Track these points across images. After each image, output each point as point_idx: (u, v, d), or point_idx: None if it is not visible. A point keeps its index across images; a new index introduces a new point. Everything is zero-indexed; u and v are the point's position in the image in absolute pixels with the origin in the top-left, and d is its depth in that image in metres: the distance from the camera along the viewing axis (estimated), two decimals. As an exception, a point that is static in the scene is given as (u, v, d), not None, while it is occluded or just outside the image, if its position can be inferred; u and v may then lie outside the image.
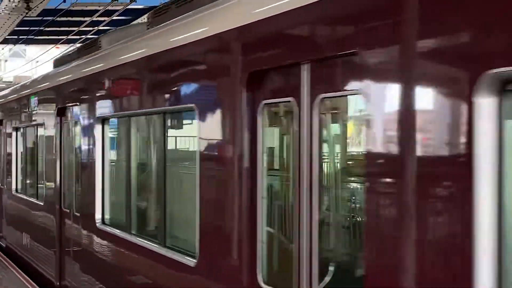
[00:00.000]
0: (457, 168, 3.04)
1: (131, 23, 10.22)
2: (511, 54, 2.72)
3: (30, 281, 11.18)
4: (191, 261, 5.69)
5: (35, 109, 11.92)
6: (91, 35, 21.63)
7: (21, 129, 12.70)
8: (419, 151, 3.28)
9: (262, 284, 4.72)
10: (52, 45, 27.28)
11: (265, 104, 4.81)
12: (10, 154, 13.85)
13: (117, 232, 7.66)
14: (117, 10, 17.74)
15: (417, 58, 3.26)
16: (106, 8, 17.48)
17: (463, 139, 3.01)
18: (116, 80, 7.90)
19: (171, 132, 6.66)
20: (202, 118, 5.61)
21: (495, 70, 2.81)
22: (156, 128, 6.97)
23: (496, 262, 2.89)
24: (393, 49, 3.42)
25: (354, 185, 4.19)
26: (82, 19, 19.22)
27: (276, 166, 4.88)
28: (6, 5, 16.65)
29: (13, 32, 19.94)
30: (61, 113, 10.12)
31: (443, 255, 3.07)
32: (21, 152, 12.68)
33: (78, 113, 9.24)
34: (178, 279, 5.89)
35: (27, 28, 20.98)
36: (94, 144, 8.50)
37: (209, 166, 5.53)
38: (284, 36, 4.47)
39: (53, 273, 10.22)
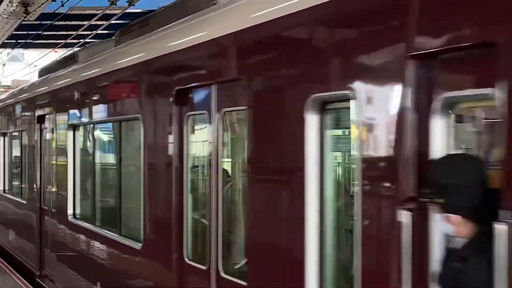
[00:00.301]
0: (295, 164, 4.42)
1: (107, 39, 10.77)
2: (325, 85, 4.17)
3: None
4: (138, 245, 7.06)
5: (19, 116, 13.04)
6: (90, 39, 21.65)
7: (8, 135, 13.76)
8: (269, 153, 4.82)
9: (187, 260, 6.09)
10: (51, 49, 27.30)
11: (189, 115, 6.18)
12: None
13: (85, 224, 8.97)
14: (115, 14, 17.76)
15: (272, 86, 4.80)
16: (104, 12, 17.50)
17: (298, 143, 4.33)
18: (83, 92, 9.18)
19: (124, 137, 8.02)
20: (145, 126, 6.93)
21: (316, 95, 4.22)
22: (114, 135, 8.38)
23: (319, 232, 4.19)
24: (260, 79, 4.95)
25: (240, 179, 5.52)
26: (80, 23, 19.25)
27: (196, 164, 6.18)
28: (4, 9, 16.67)
29: (11, 36, 19.95)
30: (41, 120, 11.21)
31: (287, 227, 4.48)
32: (8, 156, 13.68)
33: (54, 120, 10.47)
34: (129, 259, 7.31)
35: (26, 32, 21.00)
36: (66, 148, 9.71)
37: (150, 166, 6.84)
38: (199, 63, 5.97)
39: (34, 264, 11.29)
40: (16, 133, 13.16)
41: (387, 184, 3.59)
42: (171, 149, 6.35)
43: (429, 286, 3.25)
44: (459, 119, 3.37)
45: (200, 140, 6.04)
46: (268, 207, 4.83)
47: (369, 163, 3.75)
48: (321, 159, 4.29)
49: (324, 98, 4.19)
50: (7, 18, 17.21)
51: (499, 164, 2.96)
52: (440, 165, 3.25)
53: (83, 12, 19.86)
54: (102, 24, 18.99)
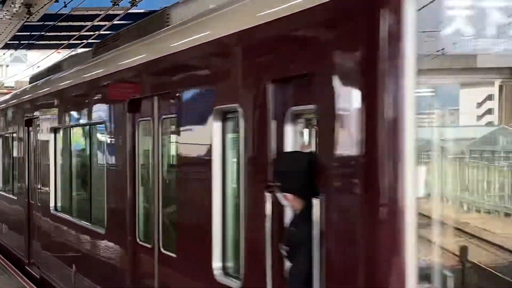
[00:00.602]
0: (207, 160, 5.70)
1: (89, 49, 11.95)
2: (224, 99, 5.49)
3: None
4: (102, 230, 8.40)
5: (11, 120, 14.36)
6: (92, 39, 21.65)
7: (1, 137, 15.02)
8: (189, 152, 6.23)
9: (139, 241, 7.32)
10: (53, 50, 27.31)
11: (139, 120, 7.42)
12: None
13: (63, 215, 10.33)
14: (118, 15, 17.76)
15: (190, 99, 6.30)
16: (107, 13, 17.50)
17: (209, 145, 5.63)
18: (60, 99, 10.62)
19: (93, 139, 9.35)
20: (108, 130, 8.31)
21: (219, 107, 5.52)
22: (85, 137, 9.76)
23: (222, 211, 5.53)
24: (182, 93, 6.33)
25: (174, 173, 6.70)
26: (83, 23, 19.25)
27: (144, 162, 7.42)
28: (7, 10, 16.68)
29: (14, 37, 19.97)
30: (28, 124, 12.48)
31: (201, 211, 5.79)
32: (1, 156, 14.97)
33: (38, 124, 11.78)
34: (96, 243, 8.72)
35: (28, 33, 21.01)
36: (48, 149, 11.02)
37: (110, 164, 8.25)
38: (144, 78, 7.36)
39: (24, 253, 12.56)
40: (8, 135, 14.19)
41: (259, 175, 4.86)
42: (127, 149, 7.66)
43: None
44: (304, 126, 4.67)
45: (147, 141, 7.33)
46: (189, 195, 6.24)
47: (249, 160, 5.06)
48: (223, 156, 5.64)
49: (223, 109, 5.54)
50: (10, 19, 17.23)
51: (320, 158, 4.22)
52: (278, 159, 4.60)
53: (85, 12, 19.85)
54: (105, 25, 18.99)
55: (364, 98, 3.77)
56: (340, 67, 4.04)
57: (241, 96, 5.19)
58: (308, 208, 4.22)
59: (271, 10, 4.87)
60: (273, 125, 4.69)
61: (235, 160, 5.52)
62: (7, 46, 23.06)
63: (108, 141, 8.36)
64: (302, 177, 4.29)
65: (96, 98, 8.98)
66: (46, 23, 19.46)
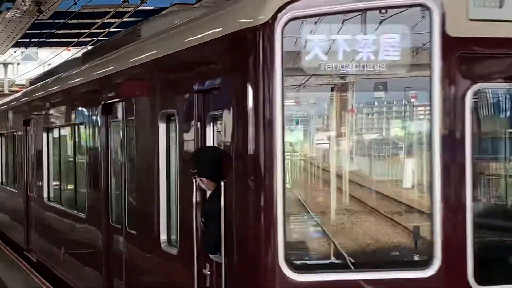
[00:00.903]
0: (155, 155, 6.89)
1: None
2: (167, 105, 6.75)
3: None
4: (83, 216, 9.69)
5: (13, 120, 15.62)
6: (102, 37, 21.75)
7: (4, 135, 16.03)
8: (143, 149, 7.50)
9: (111, 223, 8.45)
10: (64, 48, 27.42)
11: (111, 121, 8.56)
12: None
13: (54, 204, 11.73)
14: (127, 12, 17.85)
15: (142, 104, 7.62)
16: (117, 10, 17.59)
17: (157, 142, 6.80)
18: (49, 103, 12.18)
19: (76, 138, 10.60)
20: (87, 129, 9.65)
21: (163, 111, 6.73)
22: (69, 135, 11.07)
23: (166, 197, 6.79)
24: (138, 100, 7.70)
25: (134, 166, 7.94)
26: (93, 21, 19.35)
27: (115, 157, 8.56)
28: (18, 8, 16.79)
29: (25, 35, 20.09)
30: (26, 124, 13.70)
31: (150, 196, 7.08)
32: (5, 154, 15.98)
33: (34, 124, 13.07)
34: (79, 226, 10.08)
35: (39, 31, 21.12)
36: (42, 146, 12.32)
37: (89, 159, 9.55)
38: (114, 86, 8.59)
39: (23, 240, 13.87)
40: (10, 134, 15.24)
41: (189, 165, 5.89)
42: (101, 146, 8.87)
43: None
44: (218, 126, 5.76)
45: (118, 139, 8.39)
46: (143, 184, 7.48)
47: (182, 153, 6.30)
48: (167, 151, 6.78)
49: (166, 113, 6.71)
50: (20, 17, 17.34)
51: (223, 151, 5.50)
52: (195, 152, 5.91)
53: (95, 10, 19.96)
54: (115, 22, 19.09)
55: (247, 106, 4.98)
56: (233, 83, 5.31)
57: (176, 104, 6.47)
58: (218, 189, 5.41)
59: (194, 37, 6.19)
60: (198, 125, 5.91)
61: (174, 154, 6.65)
62: (18, 44, 23.19)
63: (87, 140, 9.76)
64: (213, 165, 5.52)
65: (77, 102, 10.47)
66: (56, 21, 19.58)
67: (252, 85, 4.95)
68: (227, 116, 5.32)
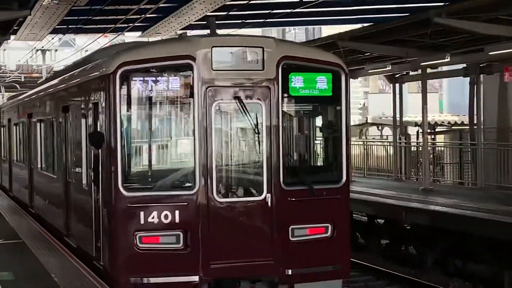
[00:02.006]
0: (82, 135, 11.59)
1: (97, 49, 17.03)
2: (83, 107, 11.45)
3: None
4: (55, 176, 13.73)
5: (22, 112, 19.21)
6: (138, 23, 21.77)
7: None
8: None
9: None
10: (100, 34, 27.49)
11: (67, 117, 12.53)
12: None
13: (44, 172, 15.30)
14: (163, -2, 17.82)
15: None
16: (153, -4, 17.56)
17: (82, 129, 11.38)
18: (38, 103, 16.41)
19: (52, 129, 14.31)
20: (56, 125, 13.79)
21: (83, 111, 11.33)
22: (48, 127, 14.79)
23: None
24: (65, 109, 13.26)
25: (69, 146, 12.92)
26: (129, 7, 19.36)
27: (71, 141, 12.57)
28: (55, -5, 16.85)
29: (62, 22, 20.18)
30: (29, 116, 17.29)
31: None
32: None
33: (34, 117, 16.75)
34: (56, 184, 13.61)
35: (76, 18, 21.21)
36: (37, 134, 16.05)
37: (58, 142, 13.59)
38: (65, 97, 13.00)
39: (28, 199, 17.29)
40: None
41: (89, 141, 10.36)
42: (63, 133, 12.99)
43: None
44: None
45: (77, 130, 11.86)
46: (77, 153, 11.86)
47: (87, 136, 10.64)
48: (86, 132, 11.12)
49: (83, 112, 11.35)
50: (58, 4, 17.40)
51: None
52: (91, 134, 10.11)
53: (132, -4, 19.92)
54: (151, 8, 19.08)
55: (105, 112, 9.64)
56: (101, 99, 9.93)
57: (83, 107, 11.39)
58: (98, 152, 9.94)
59: (89, 74, 11.01)
60: (89, 121, 10.82)
61: (86, 134, 10.99)
62: (55, 31, 23.30)
63: (61, 130, 13.20)
64: (96, 141, 9.85)
65: (54, 104, 14.26)
66: (93, 7, 19.61)
67: (107, 101, 9.58)
68: (99, 117, 10.11)
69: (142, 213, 9.17)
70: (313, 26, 39.77)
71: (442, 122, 28.24)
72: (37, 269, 10.46)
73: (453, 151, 23.86)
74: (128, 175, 9.36)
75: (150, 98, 9.38)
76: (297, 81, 9.71)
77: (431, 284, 14.49)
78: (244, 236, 9.39)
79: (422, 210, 16.08)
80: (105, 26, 23.43)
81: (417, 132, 26.40)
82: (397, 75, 23.19)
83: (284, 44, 10.46)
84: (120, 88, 9.27)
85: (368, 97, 47.67)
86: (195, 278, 9.15)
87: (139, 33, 25.26)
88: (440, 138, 27.41)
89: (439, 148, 24.79)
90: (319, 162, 10.76)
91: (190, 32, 43.34)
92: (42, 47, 37.54)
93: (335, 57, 10.25)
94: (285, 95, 9.65)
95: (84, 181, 11.08)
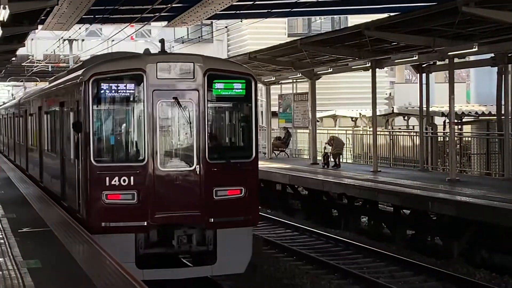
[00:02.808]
0: (69, 124, 14.93)
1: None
2: (70, 105, 14.90)
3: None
4: (55, 155, 16.75)
5: (51, 101, 20.47)
6: (164, 13, 21.80)
7: (47, 114, 19.77)
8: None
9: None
10: (127, 24, 27.59)
11: (65, 111, 15.48)
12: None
13: (49, 152, 18.23)
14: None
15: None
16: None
17: (69, 118, 15.12)
18: (36, 103, 21.04)
19: (49, 121, 18.24)
20: (54, 115, 17.14)
21: (70, 108, 14.99)
22: (54, 118, 17.35)
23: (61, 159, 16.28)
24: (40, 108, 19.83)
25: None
26: (155, -4, 19.41)
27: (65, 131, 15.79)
28: (82, -15, 16.93)
29: (89, 12, 20.30)
30: (62, 105, 17.20)
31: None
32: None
33: (40, 110, 20.09)
34: (56, 161, 16.47)
35: (103, 7, 21.31)
36: (36, 124, 20.75)
37: (50, 131, 17.80)
38: (64, 95, 15.90)
39: (38, 175, 20.21)
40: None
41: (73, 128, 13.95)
42: (61, 123, 15.96)
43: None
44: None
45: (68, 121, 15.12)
46: (67, 137, 15.24)
47: (72, 125, 14.16)
48: (65, 126, 15.45)
49: (69, 109, 14.81)
50: (84, -7, 17.50)
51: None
52: (74, 123, 13.81)
53: (158, -15, 19.95)
54: (177, -3, 19.12)
55: (82, 110, 13.19)
56: (79, 100, 13.47)
57: (67, 106, 15.14)
58: (79, 136, 13.35)
59: (70, 79, 15.23)
60: (70, 115, 14.45)
61: (71, 123, 14.22)
62: (82, 21, 23.44)
63: (59, 120, 16.24)
64: (77, 127, 13.30)
65: (55, 100, 17.29)
66: (119, -3, 19.70)
67: (83, 99, 13.05)
68: (79, 111, 13.40)
69: (107, 178, 12.86)
70: (339, 15, 39.62)
71: (469, 112, 28.00)
72: (64, 257, 10.56)
73: (480, 141, 23.68)
74: (98, 151, 13.12)
75: (113, 98, 13.10)
76: (219, 86, 13.34)
77: (457, 275, 14.41)
78: (180, 195, 13.06)
79: (448, 201, 15.99)
80: (132, 15, 23.52)
81: (444, 122, 26.24)
82: (424, 65, 23.03)
83: (209, 59, 13.76)
84: (92, 90, 12.96)
85: (394, 87, 47.39)
86: (144, 223, 12.86)
87: (165, 23, 25.33)
88: (467, 128, 27.20)
89: (466, 138, 24.60)
90: (235, 143, 14.19)
91: (216, 22, 43.19)
92: (69, 37, 37.76)
93: (247, 69, 14.09)
94: (210, 96, 13.26)
95: (71, 157, 14.52)
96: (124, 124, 13.44)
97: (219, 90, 13.40)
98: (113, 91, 13.07)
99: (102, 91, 13.03)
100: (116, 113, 13.41)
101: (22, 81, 57.22)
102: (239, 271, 13.59)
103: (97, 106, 13.07)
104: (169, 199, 13.02)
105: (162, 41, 14.35)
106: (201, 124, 13.13)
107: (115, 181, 12.89)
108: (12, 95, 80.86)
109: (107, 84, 13.00)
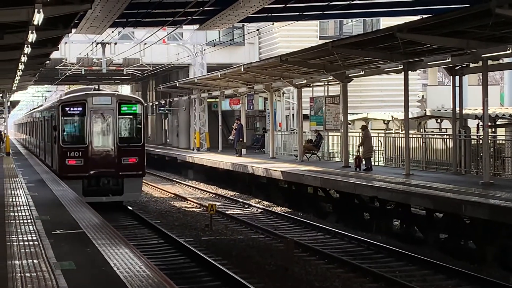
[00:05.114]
0: (52, 126, 28.38)
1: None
2: (50, 120, 29.59)
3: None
4: (48, 142, 30.03)
5: (42, 117, 34.16)
6: (196, 16, 21.89)
7: (39, 122, 32.06)
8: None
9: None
10: (159, 27, 27.74)
11: (53, 120, 28.40)
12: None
13: (44, 141, 32.10)
14: (221, -9, 17.88)
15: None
16: (211, -11, 17.64)
17: (51, 124, 29.33)
18: (31, 119, 43.61)
19: (41, 126, 34.00)
20: (43, 123, 32.78)
21: (50, 121, 29.69)
22: (42, 124, 33.47)
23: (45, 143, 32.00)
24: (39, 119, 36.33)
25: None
26: (188, 0, 19.49)
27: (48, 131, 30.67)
28: (115, -11, 17.04)
29: (121, 15, 20.45)
30: (47, 120, 30.20)
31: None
32: (38, 130, 32.46)
33: (34, 121, 39.51)
34: (48, 144, 29.68)
35: (135, 11, 21.46)
36: (34, 128, 39.19)
37: (48, 132, 30.22)
38: (47, 114, 30.69)
39: (38, 152, 36.77)
40: (39, 122, 29.67)
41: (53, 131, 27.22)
42: (47, 127, 29.59)
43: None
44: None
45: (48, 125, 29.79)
46: (48, 133, 29.53)
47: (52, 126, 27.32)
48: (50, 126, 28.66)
49: (49, 120, 28.96)
50: (117, -3, 17.61)
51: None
52: (54, 126, 26.69)
53: (190, -11, 20.03)
54: (209, 0, 19.19)
55: (55, 120, 26.16)
56: (53, 115, 27.31)
57: (46, 120, 30.88)
58: (57, 132, 25.49)
59: (50, 107, 30.51)
60: (52, 122, 27.44)
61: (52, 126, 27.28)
62: (115, 24, 23.62)
63: (48, 124, 28.61)
64: (55, 128, 25.74)
65: (43, 116, 32.27)
66: (152, 0, 19.81)
67: (56, 115, 25.77)
68: (55, 121, 25.92)
69: (68, 153, 24.84)
70: (371, 18, 39.47)
71: (503, 115, 27.71)
72: (97, 259, 10.64)
73: (514, 144, 23.41)
74: (64, 140, 25.10)
75: (71, 113, 25.21)
76: (124, 108, 25.33)
77: (491, 279, 14.26)
78: (104, 161, 24.93)
79: (482, 204, 15.84)
80: (164, 19, 23.64)
81: (477, 125, 25.98)
82: (457, 67, 22.85)
83: (119, 94, 27.66)
84: (60, 110, 24.99)
85: (427, 89, 47.05)
86: (86, 174, 24.75)
87: (197, 26, 25.42)
88: (500, 131, 26.93)
89: (500, 141, 24.36)
90: (132, 136, 25.84)
91: (247, 25, 43.24)
92: (102, 40, 38.06)
93: (138, 98, 28.08)
94: (119, 113, 25.14)
95: (53, 142, 26.53)
96: (77, 126, 25.54)
97: (124, 109, 25.29)
98: (71, 110, 25.24)
99: (66, 110, 25.20)
100: (72, 121, 25.53)
101: (51, 84, 57.76)
102: (135, 199, 27.05)
103: (63, 118, 25.19)
104: (99, 163, 24.83)
105: (98, 86, 27.13)
106: (115, 127, 25.06)
107: (72, 154, 24.91)
108: (45, 98, 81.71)
109: (68, 107, 25.27)
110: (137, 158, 25.14)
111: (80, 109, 24.98)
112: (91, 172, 24.65)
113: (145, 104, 27.68)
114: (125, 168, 24.85)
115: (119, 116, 24.98)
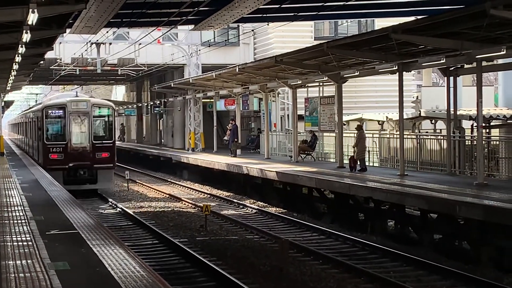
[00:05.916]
0: (37, 126, 34.28)
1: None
2: (36, 121, 34.80)
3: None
4: (35, 140, 34.90)
5: (30, 118, 39.94)
6: (191, 16, 21.88)
7: (26, 124, 37.41)
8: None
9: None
10: (154, 27, 27.70)
11: (43, 121, 32.32)
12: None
13: (31, 140, 37.97)
14: (216, -9, 17.86)
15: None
16: (206, -11, 17.62)
17: (37, 125, 35.01)
18: (24, 119, 46.80)
19: (30, 126, 39.48)
20: (31, 123, 38.07)
21: (36, 122, 35.53)
22: (29, 125, 40.49)
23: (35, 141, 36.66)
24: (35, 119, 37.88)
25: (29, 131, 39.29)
26: (183, 0, 19.48)
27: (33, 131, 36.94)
28: (110, -11, 17.01)
29: (116, 16, 20.41)
30: (36, 120, 34.77)
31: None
32: (26, 131, 38.47)
33: (26, 121, 44.41)
34: (35, 142, 34.71)
35: (130, 11, 21.43)
36: (31, 128, 38.60)
37: (30, 132, 39.12)
38: (35, 116, 36.46)
39: (27, 149, 42.30)
40: (28, 123, 33.43)
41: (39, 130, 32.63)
42: (34, 127, 35.09)
43: None
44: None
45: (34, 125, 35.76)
46: (34, 131, 35.04)
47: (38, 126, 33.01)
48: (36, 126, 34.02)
49: (36, 121, 33.71)
50: (112, -3, 17.58)
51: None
52: (39, 127, 32.06)
53: (185, -11, 20.01)
54: (204, 1, 19.17)
55: (40, 122, 31.50)
56: (38, 117, 32.52)
57: (32, 121, 36.92)
58: (42, 132, 30.72)
59: (37, 110, 35.34)
60: (37, 123, 33.01)
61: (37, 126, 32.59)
62: (109, 24, 23.58)
63: (35, 125, 34.09)
64: (40, 129, 31.05)
65: (30, 119, 38.77)
66: (147, 0, 19.79)
67: (40, 117, 31.48)
68: (40, 122, 31.56)
69: (51, 148, 30.14)
70: (366, 19, 39.50)
71: (497, 115, 27.76)
72: (91, 260, 10.62)
73: (509, 145, 23.46)
74: (47, 138, 30.36)
75: (53, 116, 30.58)
76: (97, 110, 30.78)
77: (486, 279, 14.28)
78: (81, 156, 30.09)
79: (476, 205, 15.86)
80: (159, 19, 23.60)
81: (472, 125, 26.02)
82: (452, 68, 22.89)
83: (94, 100, 33.56)
84: (44, 113, 30.60)
85: (422, 90, 47.12)
86: (66, 167, 29.77)
87: (191, 26, 25.40)
88: (495, 132, 26.97)
89: (494, 142, 24.40)
90: (105, 135, 30.93)
91: (242, 25, 43.25)
92: (97, 40, 38.01)
93: (110, 103, 33.02)
94: (94, 116, 30.52)
95: (39, 140, 31.16)
96: (58, 127, 30.51)
97: (98, 112, 30.56)
98: (53, 113, 30.43)
99: (48, 113, 30.46)
100: (54, 122, 30.54)
101: (46, 84, 57.70)
102: (107, 187, 31.49)
103: (46, 119, 30.36)
104: (76, 157, 29.81)
105: (76, 93, 33.67)
106: (90, 127, 30.13)
107: (54, 149, 29.95)
108: (36, 101, 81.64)
109: (51, 110, 30.47)
110: (109, 153, 30.68)
111: (60, 112, 30.35)
112: (70, 165, 29.91)
113: (116, 108, 35.30)
114: (98, 161, 30.15)
115: (93, 118, 30.52)
